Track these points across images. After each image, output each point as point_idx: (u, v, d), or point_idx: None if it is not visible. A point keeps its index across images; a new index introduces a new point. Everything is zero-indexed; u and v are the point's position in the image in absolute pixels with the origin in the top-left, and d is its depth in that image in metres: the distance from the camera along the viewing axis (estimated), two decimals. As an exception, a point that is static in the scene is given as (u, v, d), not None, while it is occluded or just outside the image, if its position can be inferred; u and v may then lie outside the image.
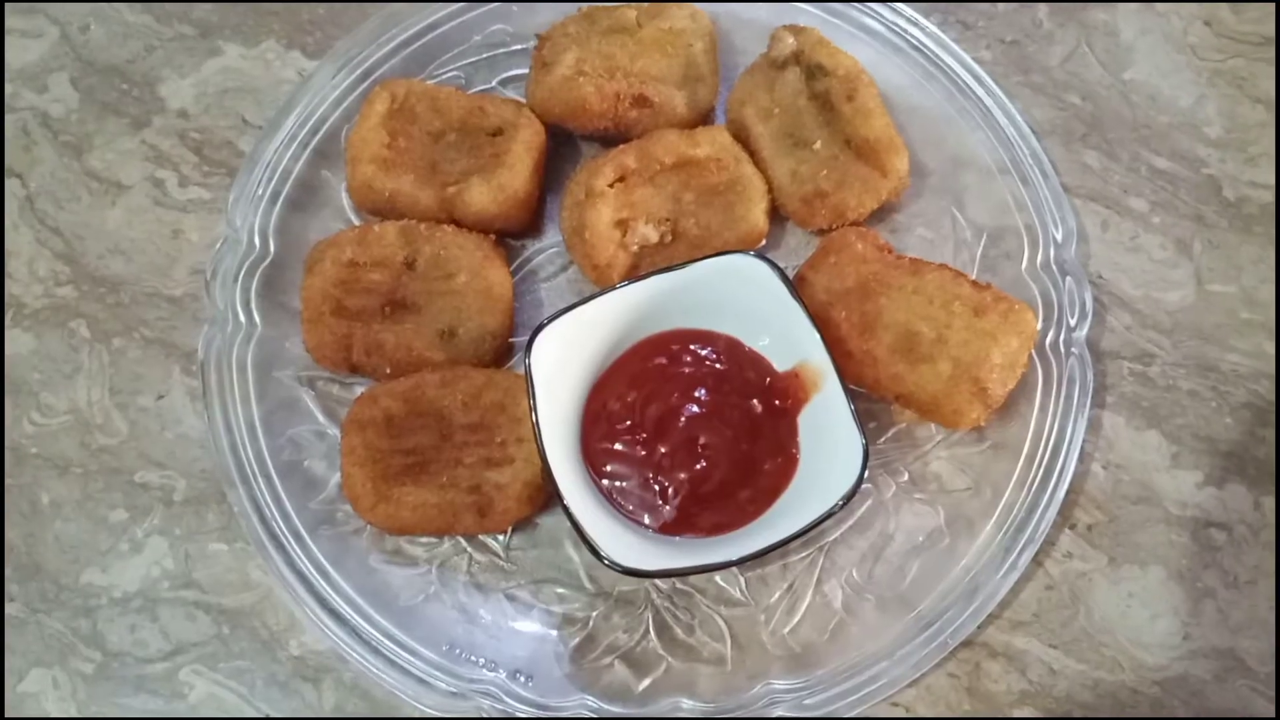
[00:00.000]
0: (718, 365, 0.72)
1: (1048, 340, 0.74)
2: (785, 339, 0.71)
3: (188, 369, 0.78)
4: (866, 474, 0.65)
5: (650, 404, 0.71)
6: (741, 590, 0.71)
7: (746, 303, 0.71)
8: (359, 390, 0.75)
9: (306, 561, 0.71)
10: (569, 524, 0.64)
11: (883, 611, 0.71)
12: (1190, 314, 0.79)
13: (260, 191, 0.79)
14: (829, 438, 0.68)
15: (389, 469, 0.70)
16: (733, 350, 0.73)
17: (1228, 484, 0.75)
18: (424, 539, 0.73)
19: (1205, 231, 0.81)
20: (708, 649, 0.71)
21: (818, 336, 0.68)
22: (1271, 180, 0.82)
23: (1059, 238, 0.77)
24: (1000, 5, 0.88)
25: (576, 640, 0.71)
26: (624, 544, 0.65)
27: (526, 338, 0.75)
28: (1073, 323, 0.75)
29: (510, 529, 0.72)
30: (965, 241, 0.79)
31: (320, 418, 0.76)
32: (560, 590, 0.72)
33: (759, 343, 0.72)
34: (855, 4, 0.83)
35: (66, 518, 0.75)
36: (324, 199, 0.81)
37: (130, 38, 0.88)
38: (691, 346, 0.73)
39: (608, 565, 0.63)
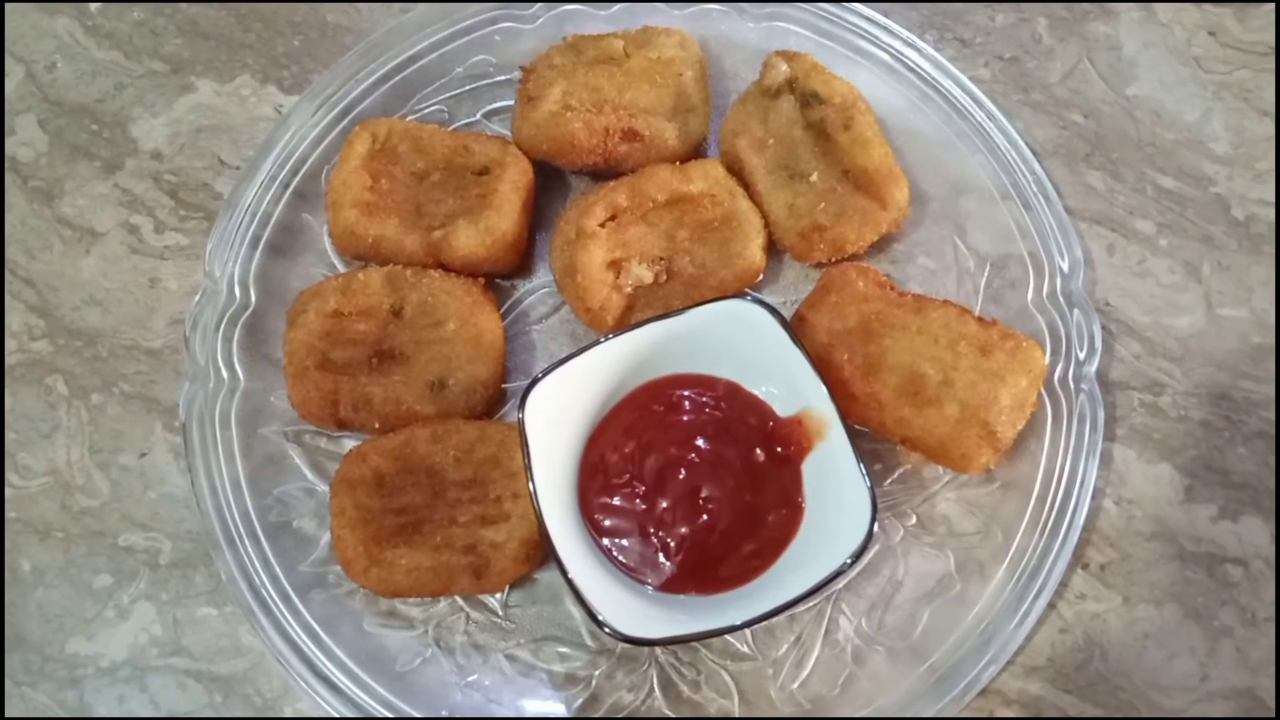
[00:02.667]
0: (717, 412, 0.70)
1: (1056, 375, 0.72)
2: (787, 385, 0.69)
3: (170, 424, 0.76)
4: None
5: (649, 455, 0.69)
6: (748, 644, 0.69)
7: (746, 349, 0.69)
8: (347, 444, 0.73)
9: (298, 628, 0.69)
10: (568, 587, 0.62)
11: (894, 663, 0.69)
12: (1201, 340, 0.77)
13: (239, 238, 0.76)
14: (835, 488, 0.66)
15: (381, 530, 0.68)
16: (733, 395, 0.71)
17: (1242, 517, 0.73)
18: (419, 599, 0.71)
19: (1214, 253, 0.79)
20: (714, 705, 0.69)
21: (821, 385, 0.66)
22: (1277, 198, 0.80)
23: (1065, 266, 0.75)
24: (999, 20, 0.85)
25: (580, 700, 0.69)
26: (626, 608, 0.63)
27: (518, 383, 0.74)
28: (1082, 356, 0.72)
29: (508, 587, 0.70)
30: (968, 271, 0.77)
31: (308, 474, 0.73)
32: (561, 649, 0.70)
33: (759, 389, 0.70)
34: (849, 27, 0.80)
35: (49, 585, 0.73)
36: (305, 243, 0.78)
37: (99, 75, 0.85)
38: (689, 392, 0.71)
39: (610, 634, 0.61)
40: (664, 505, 0.68)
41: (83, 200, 0.82)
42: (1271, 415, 0.75)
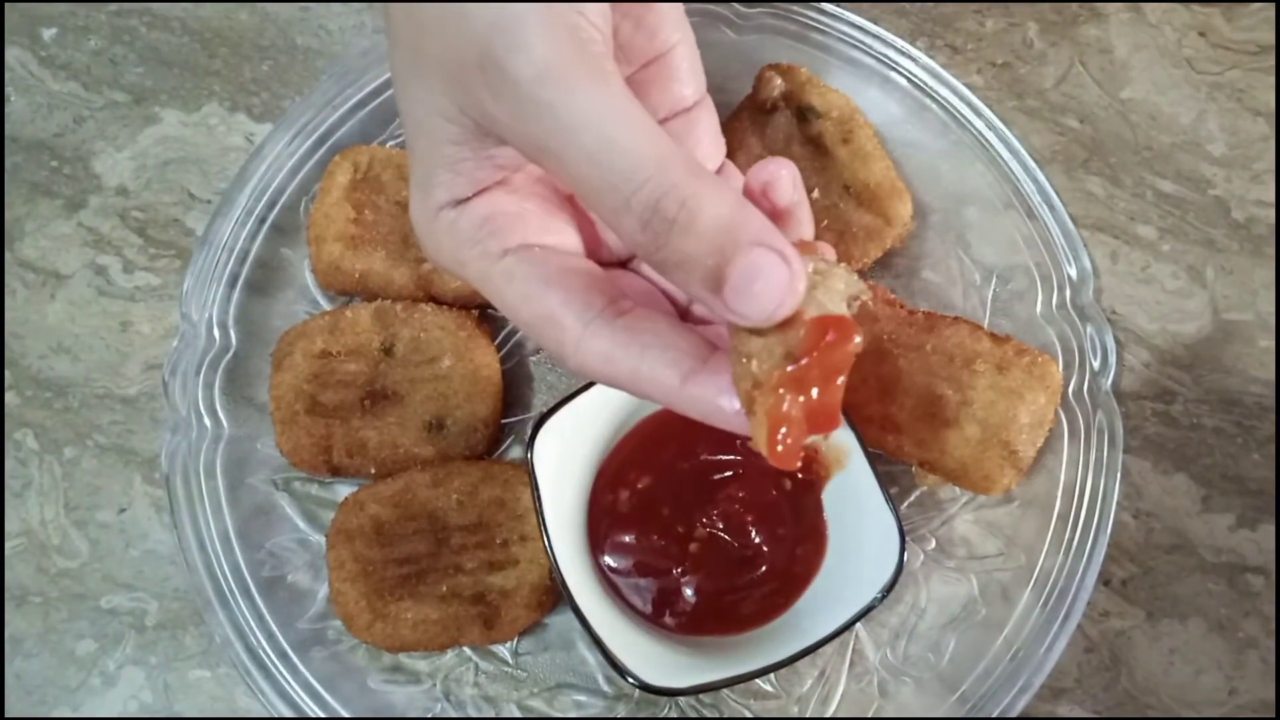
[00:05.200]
0: (735, 439, 0.67)
1: (1070, 389, 0.71)
2: (801, 413, 0.66)
3: (150, 477, 0.72)
4: (897, 552, 0.61)
5: (662, 490, 0.66)
6: (771, 682, 0.67)
7: (757, 376, 0.66)
8: (340, 490, 0.70)
9: (298, 688, 0.65)
10: (589, 638, 0.59)
11: (923, 694, 0.67)
12: (1209, 346, 0.76)
13: (216, 277, 0.72)
14: (856, 519, 0.64)
15: (383, 582, 0.65)
16: (745, 422, 0.68)
17: (1260, 525, 0.72)
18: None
19: (1217, 257, 0.78)
20: (739, 747, 0.66)
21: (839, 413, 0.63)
22: (1275, 198, 0.79)
23: (1073, 276, 0.73)
24: (988, 26, 0.83)
25: (599, 749, 0.66)
26: (648, 655, 0.61)
27: (517, 418, 0.71)
28: (1096, 368, 0.71)
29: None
30: (974, 284, 0.75)
31: (301, 524, 0.70)
32: (577, 696, 0.67)
33: (772, 417, 0.68)
34: (841, 36, 0.78)
35: (28, 654, 0.69)
36: (285, 280, 0.75)
37: (56, 108, 0.81)
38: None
39: (635, 685, 0.58)
40: (681, 541, 0.65)
41: (45, 241, 0.77)
42: (1283, 420, 0.74)
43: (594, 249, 0.48)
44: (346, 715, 0.65)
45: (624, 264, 0.50)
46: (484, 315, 0.73)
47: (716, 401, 0.40)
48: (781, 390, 0.37)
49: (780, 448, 0.38)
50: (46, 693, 0.68)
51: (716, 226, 0.37)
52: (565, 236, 0.45)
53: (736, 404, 0.39)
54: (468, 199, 0.43)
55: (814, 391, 0.38)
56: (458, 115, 0.41)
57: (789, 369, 0.37)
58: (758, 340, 0.38)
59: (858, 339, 0.38)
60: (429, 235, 0.44)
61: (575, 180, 0.39)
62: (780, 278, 0.37)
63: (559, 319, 0.41)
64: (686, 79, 0.52)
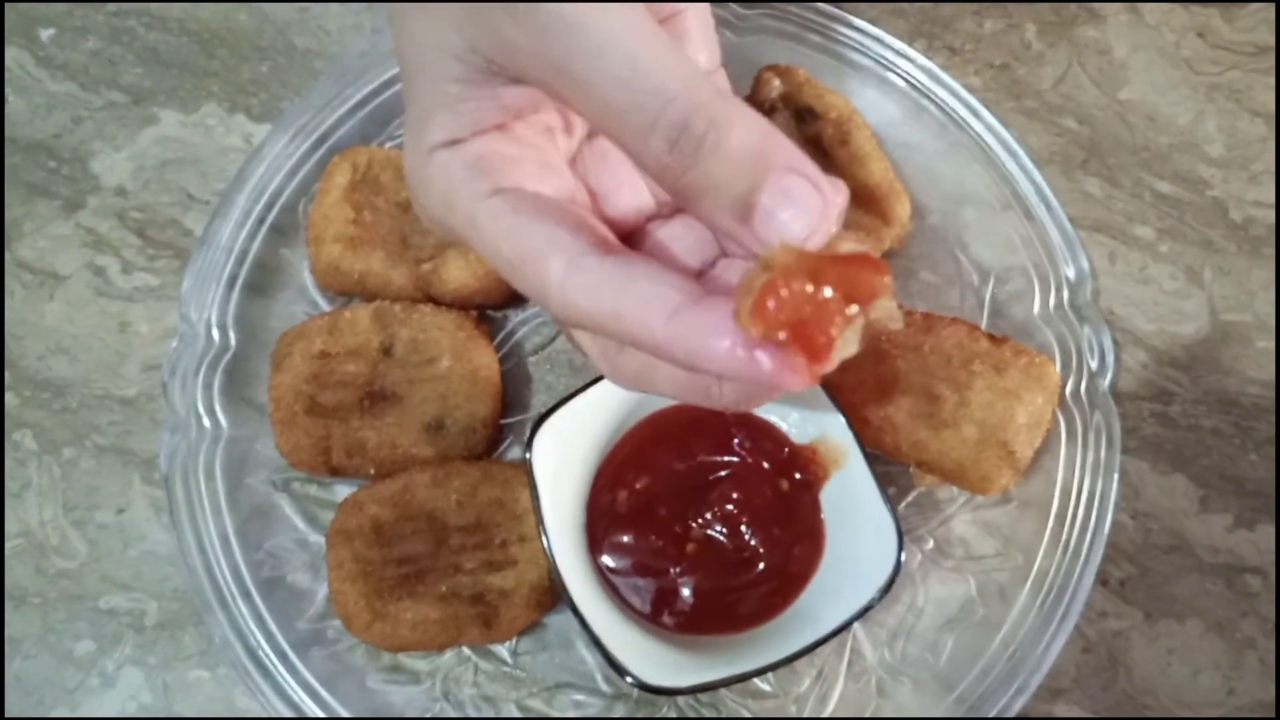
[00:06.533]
0: (732, 439, 0.68)
1: (1068, 389, 0.71)
2: (800, 412, 0.66)
3: (148, 477, 0.72)
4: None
5: (661, 490, 0.66)
6: (769, 682, 0.67)
7: (756, 376, 0.66)
8: (340, 490, 0.70)
9: (297, 688, 0.65)
10: (588, 638, 0.60)
11: (920, 694, 0.67)
12: (1206, 347, 0.76)
13: (215, 278, 0.72)
14: (854, 518, 0.64)
15: (382, 582, 0.65)
16: (744, 420, 0.68)
17: (1258, 525, 0.72)
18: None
19: (1215, 257, 0.78)
20: (737, 747, 0.66)
21: (838, 412, 0.64)
22: (1275, 198, 0.79)
23: (1071, 276, 0.73)
24: (987, 27, 0.83)
25: (597, 749, 0.66)
26: (647, 655, 0.61)
27: (516, 419, 0.71)
28: (1094, 368, 0.71)
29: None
30: (972, 285, 0.75)
31: (300, 524, 0.70)
32: (576, 696, 0.67)
33: (771, 416, 0.68)
34: (838, 37, 0.78)
35: (27, 654, 0.69)
36: (284, 280, 0.75)
37: (55, 109, 0.80)
38: (700, 420, 0.68)
39: (635, 685, 0.58)
40: (679, 542, 0.65)
41: (43, 242, 0.77)
42: (1281, 420, 0.74)
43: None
44: (346, 715, 0.65)
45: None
46: (483, 316, 0.73)
47: (705, 339, 0.35)
48: (788, 271, 0.33)
49: (759, 320, 0.33)
50: (45, 693, 0.68)
51: (746, 149, 0.35)
52: (562, 192, 0.42)
53: (727, 342, 0.34)
54: (464, 140, 0.41)
55: (823, 291, 0.33)
56: (466, 52, 0.39)
57: (804, 257, 0.33)
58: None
59: (888, 279, 0.33)
60: (420, 179, 0.42)
61: (599, 104, 0.36)
62: (813, 204, 0.35)
63: (543, 253, 0.38)
64: (699, 44, 0.49)
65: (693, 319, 0.35)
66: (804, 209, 0.35)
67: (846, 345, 0.34)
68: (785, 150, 0.35)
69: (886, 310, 0.34)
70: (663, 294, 0.36)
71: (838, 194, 0.36)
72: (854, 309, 0.33)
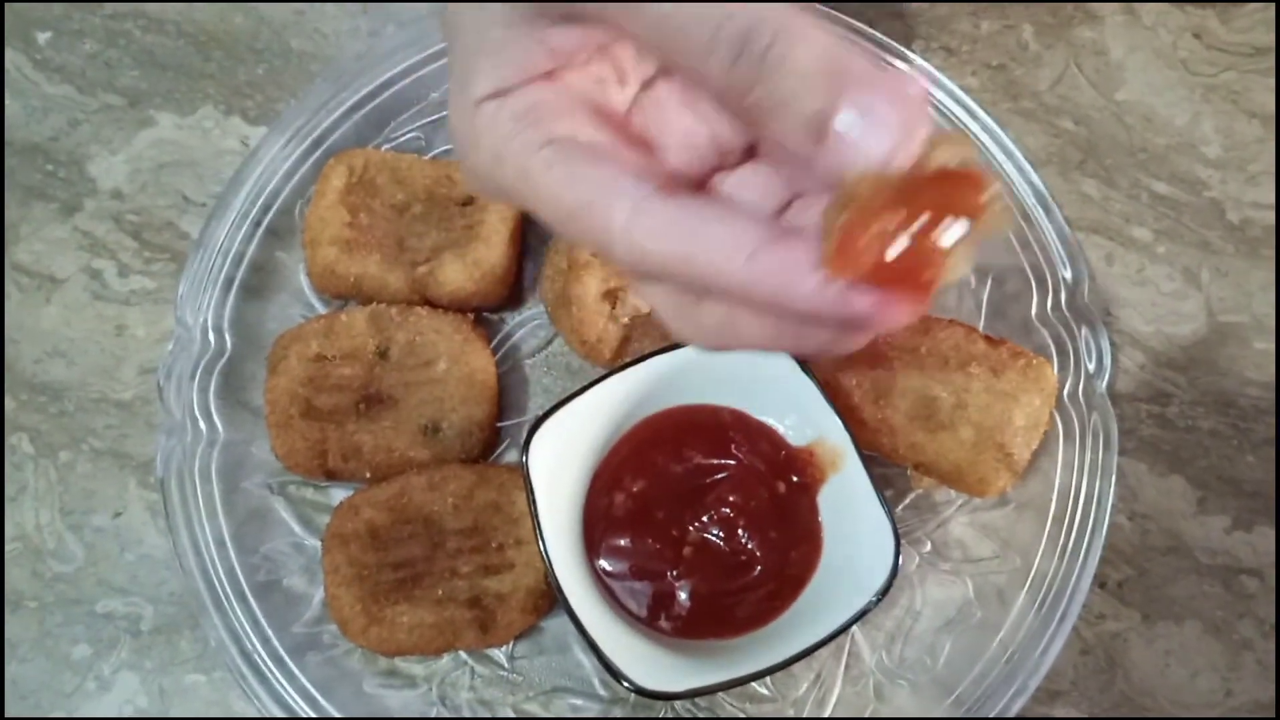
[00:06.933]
0: (729, 443, 0.67)
1: (1065, 391, 0.71)
2: (798, 415, 0.66)
3: (144, 481, 0.72)
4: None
5: (658, 494, 0.66)
6: (767, 686, 0.67)
7: (753, 378, 0.66)
8: (336, 494, 0.70)
9: (293, 692, 0.65)
10: (584, 642, 0.59)
11: (918, 697, 0.67)
12: (1204, 348, 0.76)
13: (211, 281, 0.72)
14: (851, 521, 0.64)
15: (378, 586, 0.65)
16: (741, 422, 0.68)
17: (1256, 527, 0.72)
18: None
19: (1212, 259, 0.78)
20: (735, 750, 0.66)
21: (834, 414, 0.64)
22: (1272, 199, 0.79)
23: (1068, 278, 0.73)
24: (984, 28, 0.83)
25: (595, 753, 0.66)
26: (644, 659, 0.61)
27: (512, 422, 0.71)
28: (1091, 370, 0.71)
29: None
30: (969, 286, 0.75)
31: (296, 528, 0.70)
32: (573, 700, 0.67)
33: (768, 419, 0.68)
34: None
35: (23, 658, 0.69)
36: (279, 283, 0.75)
37: (51, 112, 0.80)
38: (697, 422, 0.68)
39: (631, 689, 0.58)
40: (676, 545, 0.65)
41: (40, 245, 0.77)
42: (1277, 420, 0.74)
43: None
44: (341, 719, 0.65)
45: None
46: (479, 319, 0.73)
47: (790, 277, 0.32)
48: (871, 204, 0.30)
49: (846, 265, 0.30)
50: (42, 698, 0.68)
51: (817, 61, 0.32)
52: (618, 142, 0.39)
53: (814, 280, 0.32)
54: (511, 90, 0.39)
55: (916, 223, 0.30)
56: None
57: (888, 185, 0.30)
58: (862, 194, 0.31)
59: (994, 189, 0.30)
60: (466, 134, 0.39)
61: (654, 21, 0.34)
62: (893, 120, 0.31)
63: (606, 199, 0.35)
64: None
65: (775, 256, 0.33)
66: (884, 125, 0.31)
67: (954, 270, 0.31)
68: (860, 62, 0.32)
69: (995, 223, 0.31)
70: (739, 233, 0.33)
71: (919, 96, 0.33)
72: (958, 231, 0.30)
